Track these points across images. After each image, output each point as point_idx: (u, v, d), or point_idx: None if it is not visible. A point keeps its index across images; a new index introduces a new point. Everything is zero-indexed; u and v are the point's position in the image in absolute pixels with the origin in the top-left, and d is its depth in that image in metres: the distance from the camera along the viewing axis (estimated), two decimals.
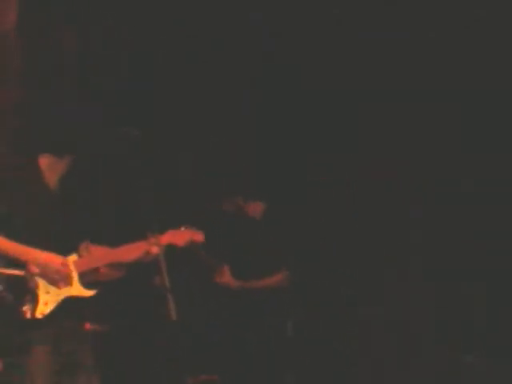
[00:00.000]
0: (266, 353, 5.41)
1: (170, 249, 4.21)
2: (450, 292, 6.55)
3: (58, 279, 4.00)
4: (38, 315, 4.05)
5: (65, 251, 4.11)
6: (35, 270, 3.97)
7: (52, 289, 4.08)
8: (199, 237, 4.29)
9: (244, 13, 6.63)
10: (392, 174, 6.76)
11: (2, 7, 5.78)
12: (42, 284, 4.05)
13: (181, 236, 4.26)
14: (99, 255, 4.22)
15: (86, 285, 4.16)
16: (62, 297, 4.10)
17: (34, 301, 4.07)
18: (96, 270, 4.21)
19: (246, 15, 6.65)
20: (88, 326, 4.41)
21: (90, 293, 4.15)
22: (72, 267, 4.09)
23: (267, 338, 5.43)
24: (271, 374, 5.43)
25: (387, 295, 6.51)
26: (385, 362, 6.27)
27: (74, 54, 5.93)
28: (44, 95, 5.24)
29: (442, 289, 6.59)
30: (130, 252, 4.19)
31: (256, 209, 5.74)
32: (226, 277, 5.52)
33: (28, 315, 4.05)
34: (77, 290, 4.12)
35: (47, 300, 4.06)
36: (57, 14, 5.98)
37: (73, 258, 4.13)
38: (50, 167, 4.17)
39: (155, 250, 4.10)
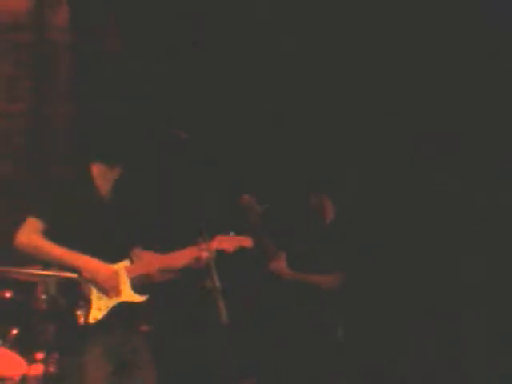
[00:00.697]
0: (313, 356, 5.45)
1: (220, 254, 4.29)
2: None
3: (107, 288, 4.11)
4: (91, 320, 4.13)
5: (117, 257, 4.21)
6: (87, 275, 4.07)
7: (103, 295, 4.17)
8: (247, 242, 4.41)
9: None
10: None
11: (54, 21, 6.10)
12: (94, 290, 4.14)
13: (229, 242, 4.36)
14: (151, 261, 4.32)
15: (138, 289, 4.24)
16: (114, 303, 4.19)
17: (87, 306, 4.16)
18: (148, 275, 4.29)
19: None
20: (143, 328, 4.51)
21: (141, 298, 4.24)
22: (123, 273, 4.19)
23: (315, 341, 5.48)
24: (318, 378, 5.49)
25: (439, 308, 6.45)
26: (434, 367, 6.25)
27: (121, 66, 6.18)
28: (94, 107, 5.36)
29: None
30: (181, 257, 4.30)
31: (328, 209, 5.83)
32: (282, 264, 5.57)
33: (81, 320, 4.13)
34: (128, 295, 4.21)
35: (100, 306, 4.15)
36: (103, 26, 6.25)
37: (125, 263, 4.23)
38: (102, 175, 4.28)
39: (205, 255, 4.19)
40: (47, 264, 4.26)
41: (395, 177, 6.55)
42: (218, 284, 4.16)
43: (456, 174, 6.50)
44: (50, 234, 4.19)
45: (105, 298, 4.19)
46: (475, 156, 6.46)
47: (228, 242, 4.37)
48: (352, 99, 6.71)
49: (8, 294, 5.13)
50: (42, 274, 4.26)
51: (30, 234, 4.18)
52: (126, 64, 6.27)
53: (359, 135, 6.68)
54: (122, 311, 4.27)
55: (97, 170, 4.28)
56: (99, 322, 4.17)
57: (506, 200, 6.30)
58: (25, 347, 5.06)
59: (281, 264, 5.60)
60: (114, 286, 4.16)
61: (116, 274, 4.19)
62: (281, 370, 5.48)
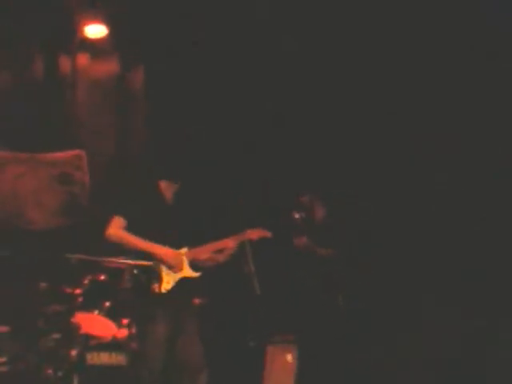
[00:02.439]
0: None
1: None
2: None
3: (173, 265, 5.12)
4: (163, 291, 5.09)
5: (178, 245, 5.21)
6: (159, 257, 5.06)
7: (171, 272, 5.13)
8: (268, 234, 5.34)
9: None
10: None
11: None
12: (164, 268, 5.12)
13: (255, 233, 5.32)
14: (203, 247, 5.28)
15: (195, 268, 5.23)
16: (178, 277, 5.16)
17: (160, 280, 5.13)
18: (201, 258, 5.28)
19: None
20: (196, 300, 5.55)
21: (197, 274, 5.22)
22: (184, 256, 5.19)
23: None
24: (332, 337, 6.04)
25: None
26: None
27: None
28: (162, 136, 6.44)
29: None
30: (223, 244, 5.28)
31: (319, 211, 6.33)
32: (304, 239, 6.25)
33: (156, 290, 5.08)
34: (187, 272, 5.20)
35: (169, 280, 5.13)
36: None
37: (184, 250, 5.24)
38: (167, 188, 5.34)
39: (235, 243, 5.21)
40: (130, 252, 5.14)
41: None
42: (252, 265, 5.16)
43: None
44: (130, 229, 5.13)
45: (171, 273, 5.12)
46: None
47: (254, 234, 5.30)
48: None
49: (103, 277, 6.02)
50: (127, 263, 5.26)
51: (118, 229, 5.13)
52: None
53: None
54: (184, 285, 5.16)
55: (163, 185, 5.33)
56: (168, 292, 5.09)
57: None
58: (114, 315, 5.99)
59: (303, 239, 6.28)
60: (178, 263, 5.13)
61: (179, 255, 5.14)
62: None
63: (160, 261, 5.14)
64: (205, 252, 5.33)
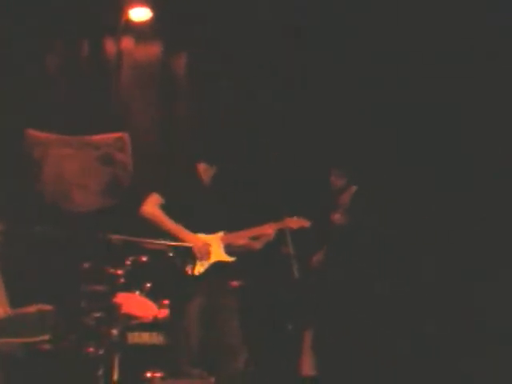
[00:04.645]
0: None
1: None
2: None
3: (198, 255, 5.17)
4: (196, 273, 5.20)
5: (214, 229, 5.29)
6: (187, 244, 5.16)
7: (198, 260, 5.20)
8: (306, 224, 5.35)
9: None
10: None
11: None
12: None
13: (295, 222, 5.35)
14: (240, 233, 5.34)
15: (231, 253, 5.30)
16: (212, 261, 5.25)
17: (194, 263, 5.24)
18: (238, 243, 5.35)
19: None
20: (233, 283, 5.61)
21: (231, 259, 5.29)
22: (219, 240, 5.26)
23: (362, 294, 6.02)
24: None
25: None
26: None
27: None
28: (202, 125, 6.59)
29: None
30: (261, 231, 5.34)
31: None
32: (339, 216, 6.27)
33: (189, 272, 5.20)
34: (222, 256, 5.27)
35: (203, 263, 5.22)
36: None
37: (220, 234, 5.31)
38: (205, 172, 5.42)
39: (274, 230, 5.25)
40: (161, 231, 5.25)
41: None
42: (292, 250, 5.27)
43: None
44: (166, 207, 5.20)
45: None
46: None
47: (293, 223, 5.33)
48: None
49: (144, 258, 5.99)
50: (166, 244, 5.26)
51: (153, 207, 5.20)
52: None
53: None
54: (218, 269, 5.25)
55: (201, 167, 5.42)
56: (202, 275, 5.20)
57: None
58: (155, 296, 6.07)
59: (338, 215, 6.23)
60: (204, 254, 5.18)
61: (207, 244, 5.19)
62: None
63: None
64: (242, 237, 5.38)
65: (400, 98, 6.69)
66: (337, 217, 6.22)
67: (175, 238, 5.24)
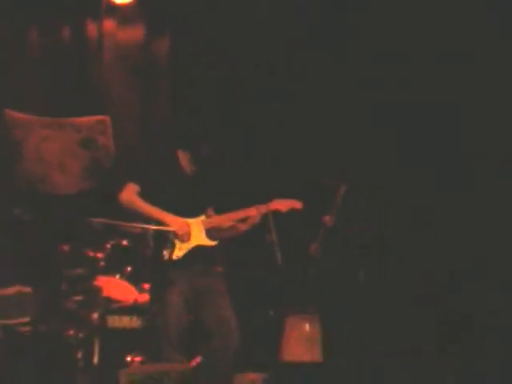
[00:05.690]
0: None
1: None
2: None
3: (179, 235, 5.09)
4: (174, 257, 5.10)
5: (194, 213, 5.21)
6: (168, 225, 5.07)
7: (179, 240, 5.09)
8: (298, 205, 5.19)
9: None
10: None
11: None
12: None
13: (284, 204, 5.19)
14: (224, 216, 5.23)
15: (213, 237, 5.21)
16: (192, 245, 5.14)
17: (172, 247, 5.13)
18: (222, 226, 5.24)
19: None
20: (216, 268, 5.39)
21: (212, 243, 5.19)
22: (200, 224, 5.17)
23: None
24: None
25: None
26: None
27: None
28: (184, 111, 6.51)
29: None
30: (246, 213, 5.19)
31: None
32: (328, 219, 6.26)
33: (166, 257, 5.10)
34: (203, 240, 5.18)
35: (181, 247, 5.11)
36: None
37: (202, 218, 5.21)
38: (184, 157, 5.32)
39: (262, 212, 5.09)
40: (140, 217, 5.20)
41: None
42: (274, 236, 5.10)
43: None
44: (143, 195, 5.14)
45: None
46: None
47: (282, 204, 5.17)
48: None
49: (125, 242, 6.06)
50: (146, 227, 5.26)
51: (131, 195, 5.13)
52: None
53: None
54: (199, 253, 5.15)
55: (181, 154, 5.33)
56: (181, 259, 5.10)
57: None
58: (135, 280, 6.08)
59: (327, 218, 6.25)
60: (184, 234, 5.10)
61: (187, 224, 5.10)
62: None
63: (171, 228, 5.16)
64: (226, 220, 5.28)
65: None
66: (327, 219, 6.26)
67: (156, 223, 5.19)
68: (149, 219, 5.20)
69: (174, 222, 5.12)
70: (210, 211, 5.32)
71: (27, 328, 5.37)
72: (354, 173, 6.38)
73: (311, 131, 6.95)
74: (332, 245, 6.23)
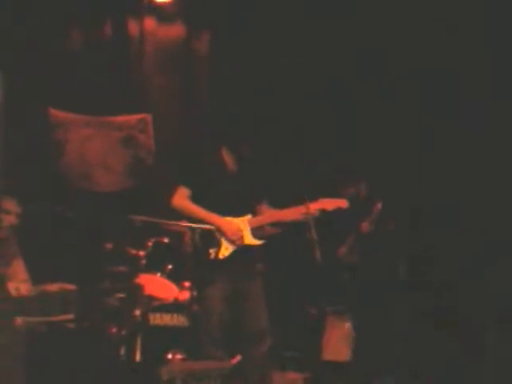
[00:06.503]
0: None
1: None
2: None
3: (232, 239, 5.12)
4: (220, 256, 5.12)
5: (241, 213, 5.22)
6: (219, 229, 5.08)
7: (230, 243, 5.12)
8: (344, 204, 5.18)
9: None
10: None
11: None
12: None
13: (331, 203, 5.19)
14: (268, 215, 5.26)
15: (257, 237, 5.20)
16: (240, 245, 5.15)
17: (218, 246, 5.15)
18: (264, 227, 5.25)
19: None
20: (258, 267, 5.44)
21: (259, 242, 5.19)
22: (246, 223, 5.18)
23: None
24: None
25: None
26: None
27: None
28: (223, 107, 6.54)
29: None
30: (292, 213, 5.19)
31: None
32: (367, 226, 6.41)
33: (212, 256, 5.12)
34: (251, 240, 5.19)
35: (228, 246, 5.14)
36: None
37: (248, 217, 5.21)
38: (228, 155, 5.31)
39: (310, 211, 5.05)
40: (193, 220, 5.19)
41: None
42: (315, 234, 5.04)
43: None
44: (194, 198, 5.18)
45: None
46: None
47: (329, 203, 5.16)
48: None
49: (166, 240, 6.10)
50: (190, 226, 5.22)
51: (182, 199, 5.18)
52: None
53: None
54: (242, 252, 5.16)
55: (225, 154, 5.30)
56: (227, 258, 5.13)
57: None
58: (177, 278, 6.13)
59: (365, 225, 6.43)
60: (237, 238, 5.13)
61: (238, 228, 5.13)
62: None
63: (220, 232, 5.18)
64: (271, 219, 5.29)
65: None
66: (364, 225, 6.38)
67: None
68: (203, 222, 5.20)
69: (228, 226, 5.14)
70: (264, 207, 5.35)
71: (71, 325, 5.36)
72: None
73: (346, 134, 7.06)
74: (367, 250, 6.33)
